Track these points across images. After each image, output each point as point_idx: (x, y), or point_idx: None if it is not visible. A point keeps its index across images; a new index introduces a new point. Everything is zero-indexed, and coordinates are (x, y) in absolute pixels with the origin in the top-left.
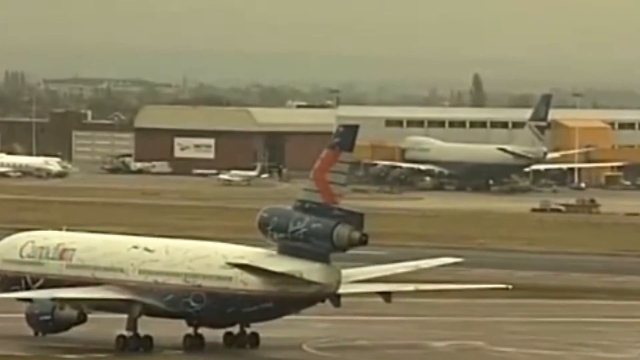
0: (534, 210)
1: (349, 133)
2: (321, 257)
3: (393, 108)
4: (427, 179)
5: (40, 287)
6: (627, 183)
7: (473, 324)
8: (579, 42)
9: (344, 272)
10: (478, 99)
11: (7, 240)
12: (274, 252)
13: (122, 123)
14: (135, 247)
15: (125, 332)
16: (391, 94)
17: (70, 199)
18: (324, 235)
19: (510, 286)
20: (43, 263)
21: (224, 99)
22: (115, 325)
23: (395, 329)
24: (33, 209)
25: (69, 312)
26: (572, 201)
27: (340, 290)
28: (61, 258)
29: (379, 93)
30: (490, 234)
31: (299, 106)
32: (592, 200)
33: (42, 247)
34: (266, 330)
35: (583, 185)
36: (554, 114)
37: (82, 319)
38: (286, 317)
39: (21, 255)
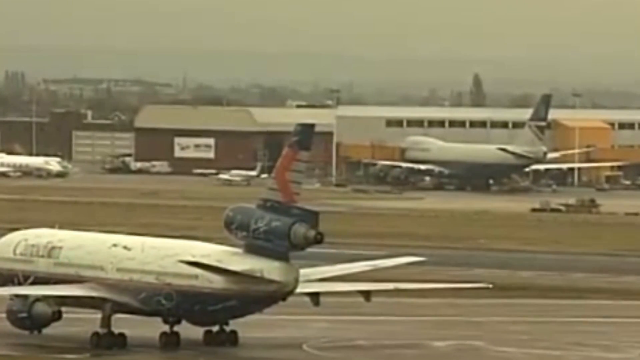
0: (534, 210)
1: (306, 132)
2: (281, 256)
3: (393, 108)
4: (427, 178)
5: (31, 285)
6: (627, 183)
7: (473, 323)
8: (579, 42)
9: (302, 271)
10: (478, 99)
11: (4, 238)
12: (240, 251)
13: (122, 123)
14: (115, 245)
15: (99, 330)
16: (391, 94)
17: (70, 199)
18: (282, 233)
19: (490, 285)
20: (33, 261)
21: (224, 99)
22: (116, 324)
23: (395, 328)
24: (33, 209)
25: (44, 309)
26: (571, 201)
27: (321, 289)
28: (49, 256)
29: (379, 93)
30: (490, 233)
31: (299, 106)
32: (592, 200)
33: (33, 245)
34: (266, 330)
35: (607, 186)
36: (553, 114)
37: (56, 317)
38: (286, 317)
39: (14, 253)
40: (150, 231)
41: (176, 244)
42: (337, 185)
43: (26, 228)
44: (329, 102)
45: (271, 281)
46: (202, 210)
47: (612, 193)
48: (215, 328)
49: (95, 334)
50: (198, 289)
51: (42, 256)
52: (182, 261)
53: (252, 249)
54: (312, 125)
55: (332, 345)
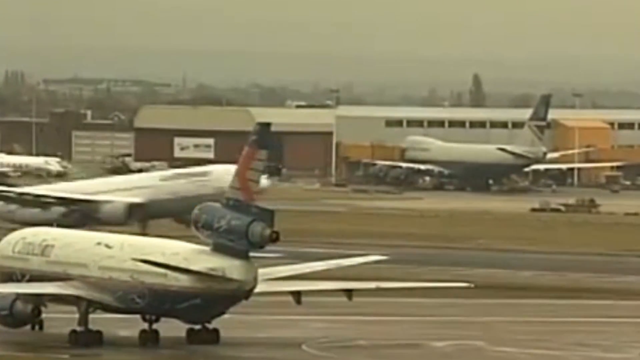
0: (534, 210)
1: (263, 131)
2: (242, 255)
3: (393, 108)
4: (427, 178)
5: (27, 282)
6: (627, 183)
7: (473, 323)
8: (579, 43)
9: (264, 270)
10: (478, 99)
11: (6, 237)
12: (208, 249)
13: (121, 123)
14: (99, 243)
15: (77, 327)
16: (391, 94)
17: None
18: (240, 232)
19: (472, 284)
20: (28, 259)
21: (223, 99)
22: (114, 324)
23: (395, 329)
24: None
25: (24, 307)
26: (571, 201)
27: (301, 288)
28: (42, 254)
29: (379, 93)
30: (489, 233)
31: (298, 106)
32: (592, 200)
33: (29, 244)
34: (265, 330)
35: (617, 188)
36: (553, 114)
37: (36, 314)
38: (285, 317)
39: (13, 251)
40: (150, 231)
41: (151, 242)
42: (337, 185)
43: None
44: (329, 102)
45: (232, 280)
46: None
47: (611, 193)
48: (197, 326)
49: (73, 331)
50: (166, 287)
51: (36, 254)
52: (134, 259)
53: (218, 248)
54: (268, 125)
55: (332, 345)
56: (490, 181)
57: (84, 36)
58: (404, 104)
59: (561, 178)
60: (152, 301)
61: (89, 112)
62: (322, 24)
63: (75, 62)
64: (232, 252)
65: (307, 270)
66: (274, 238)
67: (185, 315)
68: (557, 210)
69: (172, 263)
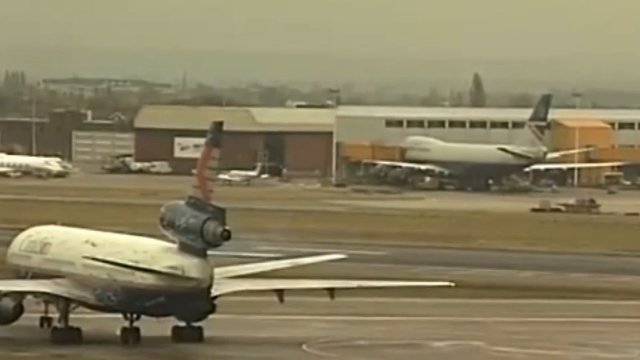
0: (534, 210)
1: (217, 129)
2: (200, 253)
3: (393, 108)
4: (427, 179)
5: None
6: (627, 183)
7: (473, 323)
8: (579, 42)
9: (223, 268)
10: (478, 99)
11: (19, 235)
12: (175, 247)
13: (122, 123)
14: (87, 241)
15: (57, 324)
16: (391, 94)
17: (70, 199)
18: (196, 230)
19: (452, 284)
20: (31, 257)
21: (223, 99)
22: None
23: (395, 328)
24: (33, 209)
25: (7, 304)
26: (571, 201)
27: (284, 286)
28: (41, 252)
29: (379, 93)
30: (490, 234)
31: (299, 106)
32: (592, 201)
33: (33, 242)
34: (266, 330)
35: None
36: (553, 114)
37: (18, 311)
38: (286, 317)
39: (20, 249)
40: (150, 232)
41: (128, 240)
42: (337, 185)
43: (25, 228)
44: (329, 102)
45: (190, 278)
46: None
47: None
48: (182, 324)
49: (54, 328)
50: (135, 285)
51: (37, 252)
52: (85, 257)
53: (182, 246)
54: (220, 123)
55: (332, 345)
56: (491, 181)
57: (85, 36)
58: (404, 104)
59: (561, 178)
60: (124, 299)
61: (89, 112)
62: (322, 24)
63: (75, 62)
64: (192, 251)
65: (270, 268)
66: (226, 237)
67: (155, 313)
68: (558, 210)
69: (141, 260)
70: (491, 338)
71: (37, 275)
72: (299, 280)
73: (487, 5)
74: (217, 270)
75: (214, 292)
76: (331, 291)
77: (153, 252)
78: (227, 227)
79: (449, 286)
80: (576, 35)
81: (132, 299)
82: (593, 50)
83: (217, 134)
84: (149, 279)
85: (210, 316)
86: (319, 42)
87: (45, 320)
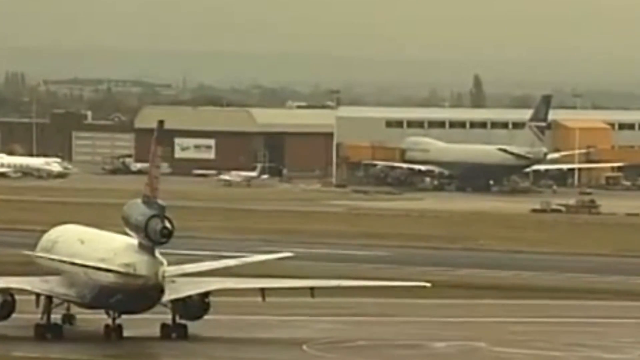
0: (534, 210)
1: (159, 127)
2: (149, 250)
3: (393, 109)
4: (427, 179)
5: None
6: (628, 183)
7: (473, 324)
8: (579, 43)
9: (175, 267)
10: (478, 99)
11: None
12: (135, 244)
13: (122, 124)
14: (79, 239)
15: (40, 321)
16: (391, 94)
17: (70, 200)
18: (142, 228)
19: (428, 284)
20: (43, 255)
21: (224, 100)
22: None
23: (396, 329)
24: (33, 210)
25: None
26: (571, 202)
27: (266, 285)
28: (49, 250)
29: (379, 94)
30: (490, 234)
31: (299, 107)
32: (592, 201)
33: (47, 240)
34: (266, 330)
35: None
36: (554, 115)
37: (8, 308)
38: (286, 318)
39: (41, 248)
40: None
41: (110, 238)
42: (338, 185)
43: (24, 229)
44: (329, 103)
45: (139, 275)
46: (202, 211)
47: (612, 194)
48: (168, 321)
49: (37, 325)
50: (100, 282)
51: (47, 250)
52: (35, 255)
53: (139, 244)
54: (161, 122)
55: (332, 346)
56: (491, 182)
57: (84, 37)
58: (404, 104)
59: (562, 179)
60: (95, 296)
61: (89, 113)
62: (322, 25)
63: (75, 62)
64: (144, 248)
65: (220, 266)
66: (166, 234)
67: (119, 309)
68: (558, 210)
69: (107, 258)
70: (492, 338)
71: (50, 273)
72: (281, 279)
73: (488, 6)
74: (163, 268)
75: (196, 290)
76: (312, 290)
77: (117, 250)
78: (167, 225)
79: (424, 286)
80: (576, 36)
81: (100, 296)
82: (594, 51)
83: (160, 133)
84: (110, 277)
85: (210, 316)
86: (320, 43)
87: (67, 318)
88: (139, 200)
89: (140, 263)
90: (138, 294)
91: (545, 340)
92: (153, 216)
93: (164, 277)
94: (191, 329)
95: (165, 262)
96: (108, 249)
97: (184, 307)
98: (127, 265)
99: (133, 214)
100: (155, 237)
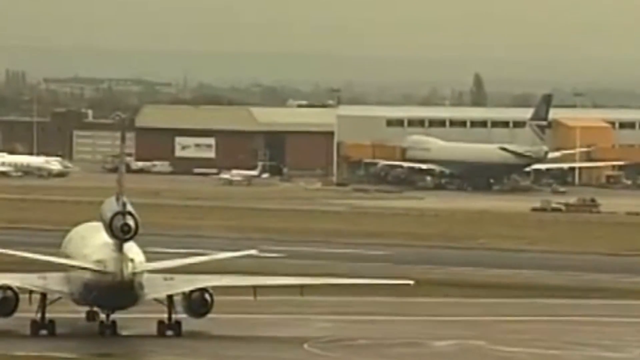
0: (535, 209)
1: (122, 124)
2: (118, 246)
3: (394, 107)
4: (428, 178)
5: None
6: (628, 182)
7: (474, 323)
8: (579, 42)
9: (140, 264)
10: (479, 98)
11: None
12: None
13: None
14: (82, 237)
15: (35, 317)
16: (392, 93)
17: (71, 199)
18: (108, 224)
19: (411, 282)
20: (60, 252)
21: (224, 98)
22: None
23: (397, 328)
24: (34, 209)
25: None
26: (572, 200)
27: (256, 283)
28: (66, 247)
29: (380, 92)
30: (491, 233)
31: (299, 105)
32: (593, 200)
33: (67, 237)
34: (268, 329)
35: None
36: (554, 114)
37: (11, 304)
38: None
39: (62, 245)
40: (151, 231)
41: (100, 235)
42: (338, 184)
43: (25, 228)
44: (330, 102)
45: (107, 272)
46: (203, 210)
47: (613, 192)
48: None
49: (33, 321)
50: (82, 279)
51: (64, 247)
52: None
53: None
54: (123, 119)
55: (334, 344)
56: (492, 180)
57: (85, 36)
58: (405, 103)
59: (562, 177)
60: (80, 292)
61: (89, 112)
62: (323, 24)
63: (76, 61)
64: (116, 245)
65: (186, 263)
66: (126, 230)
67: (99, 305)
68: (558, 209)
69: (87, 254)
70: (492, 337)
71: (59, 269)
72: (270, 277)
73: (488, 5)
74: (133, 265)
75: (190, 287)
76: (301, 288)
77: (97, 247)
78: (127, 222)
79: (407, 284)
80: (577, 35)
81: (84, 292)
82: (594, 50)
83: (123, 129)
84: (87, 274)
85: (211, 315)
86: (320, 42)
87: (91, 314)
88: (113, 198)
89: (109, 260)
90: (110, 290)
91: (545, 339)
92: (117, 213)
93: (134, 273)
94: (194, 327)
95: (137, 259)
96: (93, 246)
97: (186, 304)
98: (99, 262)
99: (104, 211)
100: (117, 233)
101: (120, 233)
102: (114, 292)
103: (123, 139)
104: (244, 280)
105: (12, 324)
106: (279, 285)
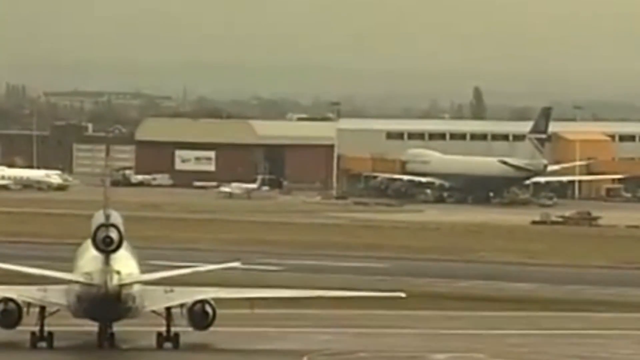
0: (534, 222)
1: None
2: (105, 259)
3: (394, 120)
4: (428, 191)
5: None
6: (628, 195)
7: (474, 336)
8: (580, 56)
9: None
10: (478, 111)
11: None
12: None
13: (122, 136)
14: (83, 249)
15: (34, 329)
16: (392, 106)
17: (70, 212)
18: (93, 237)
19: (403, 294)
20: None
21: (224, 112)
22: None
23: (397, 341)
24: (33, 222)
25: None
26: (567, 213)
27: (251, 295)
28: (76, 259)
29: (380, 105)
30: (490, 246)
31: (299, 119)
32: (589, 213)
33: (79, 249)
34: (268, 342)
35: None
36: (554, 127)
37: (13, 316)
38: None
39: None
40: (152, 244)
41: (91, 248)
42: (338, 197)
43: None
44: (330, 115)
45: (93, 284)
46: (203, 223)
47: (613, 205)
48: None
49: (32, 333)
50: (75, 291)
51: (75, 259)
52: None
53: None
54: (109, 132)
55: (334, 357)
56: (491, 194)
57: (85, 49)
58: (404, 116)
59: (562, 191)
60: (75, 304)
61: (89, 125)
62: (323, 37)
63: (76, 75)
64: (104, 257)
65: (170, 275)
66: (108, 243)
67: (91, 317)
68: (558, 222)
69: (80, 267)
70: (492, 350)
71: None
72: (264, 289)
73: (487, 19)
74: (119, 277)
75: (188, 299)
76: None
77: (89, 259)
78: (110, 234)
79: (399, 297)
80: (576, 48)
81: (77, 304)
82: (594, 63)
83: (108, 145)
84: (77, 286)
85: (210, 328)
86: (320, 55)
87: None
88: (101, 211)
89: (95, 272)
90: (97, 302)
91: (545, 353)
92: (101, 225)
93: (121, 285)
94: (195, 339)
95: (125, 271)
96: (85, 258)
97: (188, 317)
98: (87, 274)
99: (92, 223)
100: (100, 245)
101: (103, 245)
102: (100, 304)
103: (107, 152)
104: (241, 292)
105: (13, 336)
106: (276, 298)
